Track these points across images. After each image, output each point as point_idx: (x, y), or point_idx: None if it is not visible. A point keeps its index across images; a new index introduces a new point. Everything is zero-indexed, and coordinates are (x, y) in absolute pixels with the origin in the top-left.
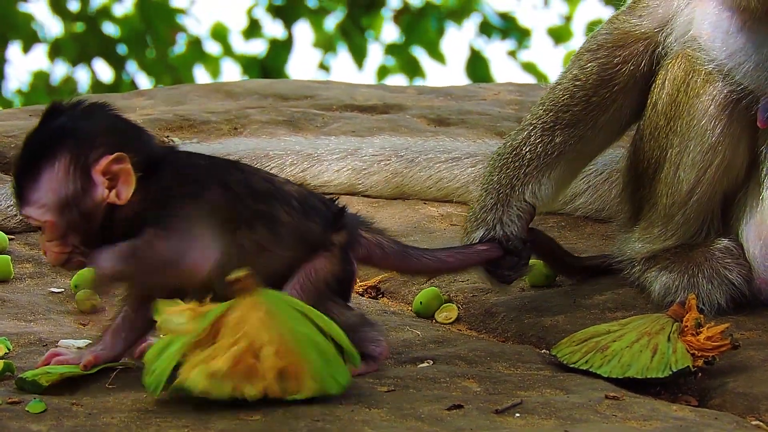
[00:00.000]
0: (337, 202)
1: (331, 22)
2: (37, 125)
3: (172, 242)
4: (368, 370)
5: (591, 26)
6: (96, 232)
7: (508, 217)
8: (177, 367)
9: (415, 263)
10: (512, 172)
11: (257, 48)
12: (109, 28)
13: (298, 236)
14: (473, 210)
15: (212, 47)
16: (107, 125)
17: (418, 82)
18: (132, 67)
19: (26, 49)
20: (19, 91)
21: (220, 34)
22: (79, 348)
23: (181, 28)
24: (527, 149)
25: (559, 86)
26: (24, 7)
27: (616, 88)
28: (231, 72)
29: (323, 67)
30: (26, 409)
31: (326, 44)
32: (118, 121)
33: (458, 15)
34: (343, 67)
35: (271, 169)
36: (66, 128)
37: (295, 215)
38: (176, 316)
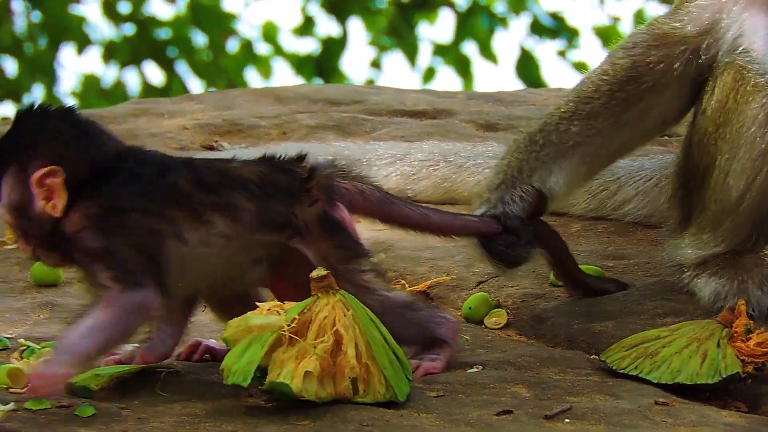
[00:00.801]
0: (304, 162)
1: (384, 20)
2: (11, 124)
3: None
4: (447, 357)
5: (638, 24)
6: (50, 236)
7: (510, 196)
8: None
9: (397, 211)
10: (523, 156)
11: (310, 46)
12: (160, 32)
13: (265, 219)
14: (480, 189)
15: (264, 49)
16: (54, 135)
17: (468, 82)
18: (183, 69)
19: (80, 51)
20: (74, 93)
21: (271, 33)
22: (127, 349)
23: (233, 31)
24: (541, 136)
25: (587, 80)
26: (76, 9)
27: (644, 86)
28: (283, 72)
29: (375, 65)
30: (75, 413)
31: (379, 42)
32: (71, 130)
33: (507, 16)
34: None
35: None
36: (18, 136)
37: (256, 200)
38: (260, 316)
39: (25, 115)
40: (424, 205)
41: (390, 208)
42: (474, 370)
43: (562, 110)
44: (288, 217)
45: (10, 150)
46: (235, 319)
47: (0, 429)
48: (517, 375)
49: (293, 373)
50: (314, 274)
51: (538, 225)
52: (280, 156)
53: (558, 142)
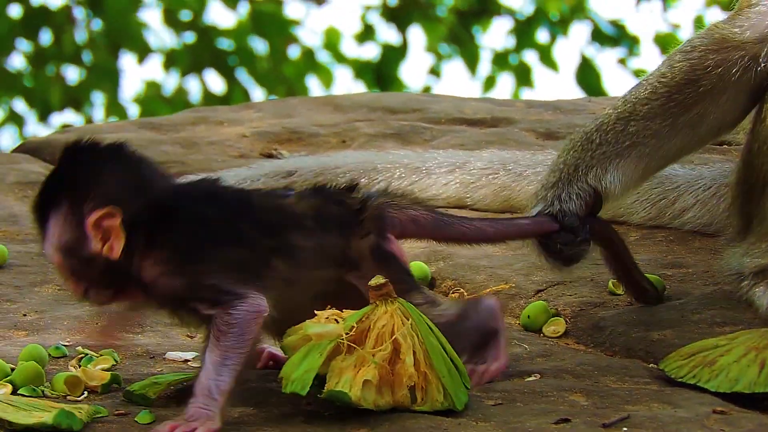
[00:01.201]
0: (355, 192)
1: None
2: (58, 161)
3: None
4: (499, 367)
5: (698, 30)
6: (103, 276)
7: (566, 194)
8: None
9: (451, 231)
10: (579, 155)
11: (370, 52)
12: (221, 40)
13: (323, 254)
14: (537, 188)
15: (325, 57)
16: (110, 175)
17: (528, 91)
18: (244, 77)
19: (141, 59)
20: (137, 100)
21: (332, 39)
22: (186, 360)
23: (295, 39)
24: (597, 135)
25: (645, 82)
26: (138, 18)
27: (702, 89)
28: (344, 78)
29: (434, 72)
30: (135, 419)
31: (438, 50)
32: (125, 168)
33: (565, 23)
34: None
35: (379, 183)
36: (70, 176)
37: (313, 235)
38: (318, 324)
39: (74, 152)
40: (476, 218)
41: (444, 230)
42: (532, 378)
43: (620, 110)
44: (343, 250)
45: (61, 189)
46: (294, 327)
47: None
48: (576, 383)
49: (352, 381)
50: (373, 282)
51: (595, 222)
52: (333, 186)
53: (614, 142)
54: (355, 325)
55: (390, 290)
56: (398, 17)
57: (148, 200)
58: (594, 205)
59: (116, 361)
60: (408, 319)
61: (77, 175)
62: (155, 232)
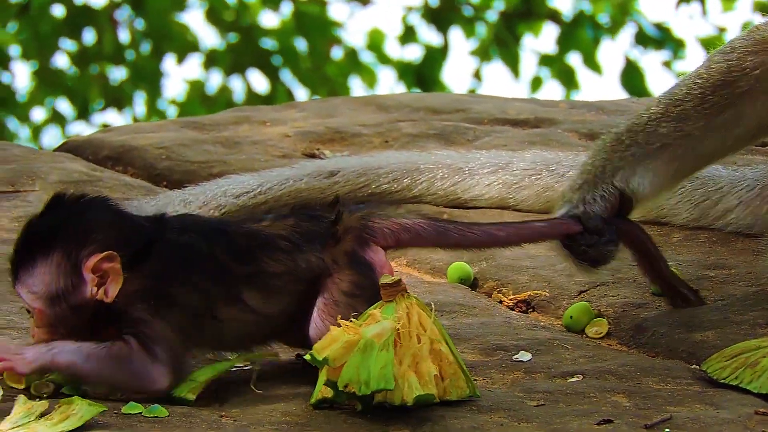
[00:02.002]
0: (335, 207)
1: (486, 30)
2: (41, 212)
3: (136, 362)
4: None
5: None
6: (84, 325)
7: (591, 196)
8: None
9: (457, 238)
10: (607, 156)
11: (413, 54)
12: (264, 40)
13: (298, 274)
14: (564, 189)
15: (368, 57)
16: (102, 222)
17: (573, 93)
18: (288, 77)
19: (180, 59)
20: (174, 101)
21: (376, 40)
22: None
23: (338, 40)
24: (627, 136)
25: (681, 83)
26: (180, 17)
27: (738, 90)
28: (386, 79)
29: (477, 75)
30: (150, 414)
31: (481, 52)
32: (115, 217)
33: (612, 26)
34: (497, 76)
35: (421, 183)
36: (63, 222)
37: (286, 257)
38: (371, 326)
39: (61, 203)
40: (486, 222)
41: (446, 237)
42: (575, 379)
43: (652, 111)
44: (318, 265)
45: (51, 237)
46: (321, 342)
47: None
48: (618, 384)
49: (423, 381)
50: (386, 280)
51: (622, 223)
52: (313, 207)
53: (644, 143)
54: (400, 319)
55: (404, 285)
56: (439, 19)
57: (139, 245)
58: (622, 207)
59: None
60: (429, 312)
61: (69, 223)
62: (137, 264)
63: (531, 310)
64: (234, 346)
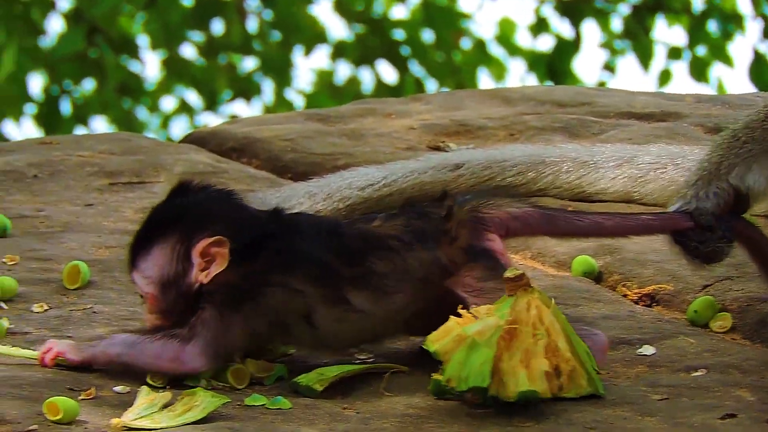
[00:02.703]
0: (443, 202)
1: (619, 23)
2: (163, 199)
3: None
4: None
5: None
6: (187, 311)
7: (704, 192)
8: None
9: (563, 225)
10: (723, 152)
11: (544, 45)
12: (394, 31)
13: (410, 273)
14: (679, 186)
15: (497, 50)
16: (220, 211)
17: (703, 86)
18: (416, 68)
19: (308, 51)
20: (301, 92)
21: (506, 31)
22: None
23: (466, 32)
24: (744, 133)
25: None
26: (309, 8)
27: None
28: (516, 72)
29: (608, 68)
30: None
31: (612, 45)
32: (233, 208)
33: (739, 19)
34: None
35: (546, 177)
36: (183, 210)
37: (396, 257)
38: (475, 323)
39: (183, 190)
40: (594, 212)
41: (554, 224)
42: (698, 373)
43: None
44: (434, 262)
45: (170, 222)
46: (435, 333)
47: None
48: (742, 379)
49: (531, 377)
50: (509, 273)
51: (736, 221)
52: (421, 202)
53: (761, 140)
54: (510, 317)
55: (528, 279)
56: (572, 11)
57: (253, 238)
58: (737, 205)
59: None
60: (549, 307)
61: (188, 211)
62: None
63: (655, 303)
64: (335, 346)
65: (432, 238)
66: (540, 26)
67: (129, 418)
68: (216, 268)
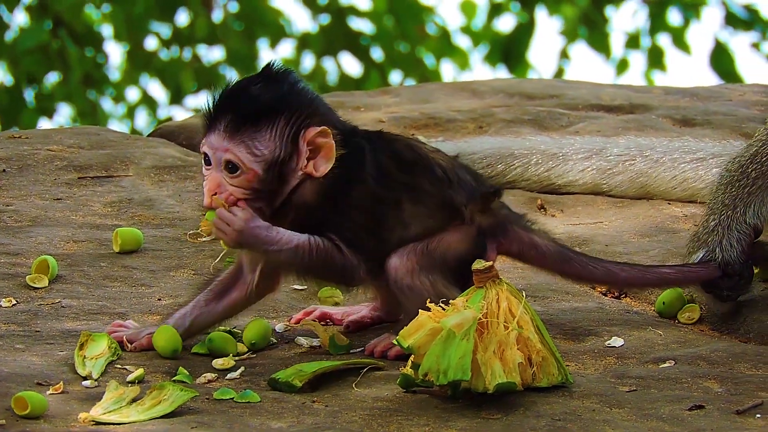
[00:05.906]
0: (497, 188)
1: (575, 10)
2: (257, 77)
3: (337, 261)
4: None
5: None
6: (279, 202)
7: (728, 240)
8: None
9: (578, 269)
10: (736, 192)
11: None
12: (356, 23)
13: (439, 204)
14: (697, 230)
15: (460, 39)
16: (316, 100)
17: (660, 75)
18: (380, 59)
19: (274, 44)
20: None
21: (468, 13)
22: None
23: (429, 22)
24: (753, 167)
25: None
26: (272, 2)
27: None
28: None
29: (565, 55)
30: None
31: (569, 32)
32: (320, 99)
33: (697, 6)
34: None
35: (515, 169)
36: (287, 93)
37: (438, 184)
38: (452, 316)
39: (286, 74)
40: (611, 261)
41: (568, 265)
42: (667, 365)
43: None
44: (459, 211)
45: (281, 105)
46: (407, 328)
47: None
48: (710, 370)
49: (506, 368)
50: (478, 266)
51: (755, 250)
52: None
53: None
54: (484, 309)
55: (496, 272)
56: None
57: (350, 132)
58: (752, 240)
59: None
60: (520, 299)
61: (292, 95)
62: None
63: (623, 295)
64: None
65: (470, 193)
66: (497, 10)
67: (98, 412)
68: (326, 162)
